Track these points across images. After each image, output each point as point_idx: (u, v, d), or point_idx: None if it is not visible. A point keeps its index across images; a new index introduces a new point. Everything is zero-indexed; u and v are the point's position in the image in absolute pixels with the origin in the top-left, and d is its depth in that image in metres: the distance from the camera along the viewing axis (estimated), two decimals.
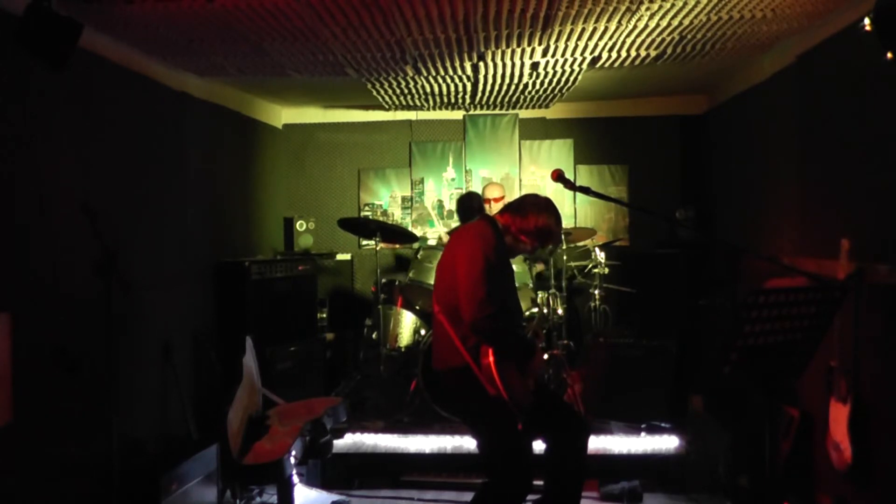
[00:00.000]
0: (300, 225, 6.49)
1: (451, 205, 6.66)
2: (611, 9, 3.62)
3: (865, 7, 2.92)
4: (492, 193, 5.71)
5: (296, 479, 3.87)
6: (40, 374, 3.18)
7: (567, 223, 6.26)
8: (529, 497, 3.03)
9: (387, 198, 6.77)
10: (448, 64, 4.72)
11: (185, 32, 3.90)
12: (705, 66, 4.87)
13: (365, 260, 6.69)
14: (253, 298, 5.00)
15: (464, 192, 6.47)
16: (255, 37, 4.01)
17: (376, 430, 4.69)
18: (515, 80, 5.27)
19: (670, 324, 5.22)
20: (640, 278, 5.76)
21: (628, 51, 4.44)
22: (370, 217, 6.66)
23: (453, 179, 6.72)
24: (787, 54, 4.28)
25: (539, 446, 3.23)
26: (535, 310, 5.00)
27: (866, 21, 2.77)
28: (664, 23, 3.86)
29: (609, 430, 4.58)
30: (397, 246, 6.57)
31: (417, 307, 5.32)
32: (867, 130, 3.40)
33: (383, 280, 5.48)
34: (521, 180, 6.64)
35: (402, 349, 5.15)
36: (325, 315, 6.16)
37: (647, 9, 3.63)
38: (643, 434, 4.51)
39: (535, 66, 4.81)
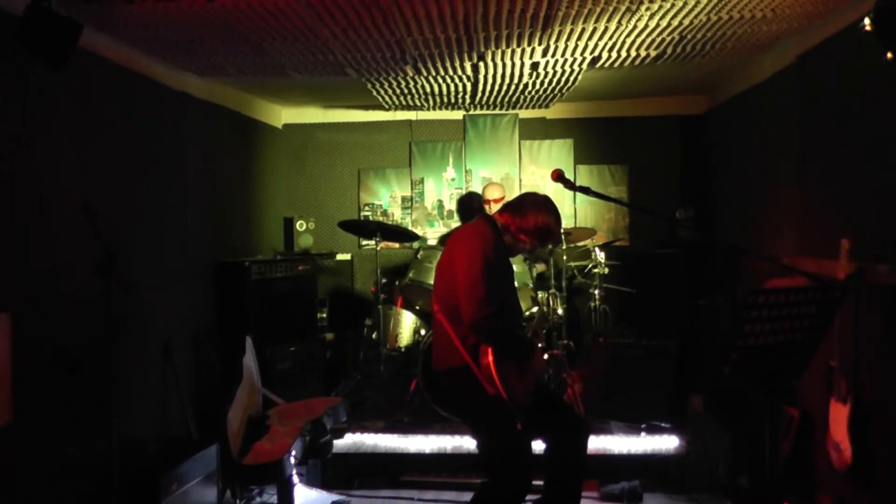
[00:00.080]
0: (300, 225, 6.49)
1: (451, 205, 6.66)
2: (611, 9, 3.62)
3: (865, 7, 2.92)
4: (492, 194, 5.70)
5: (296, 479, 3.87)
6: (40, 374, 3.18)
7: (567, 223, 6.26)
8: (529, 497, 3.03)
9: (387, 198, 6.77)
10: (448, 64, 4.72)
11: (185, 32, 3.90)
12: (705, 66, 4.87)
13: (365, 260, 6.69)
14: (253, 298, 5.00)
15: (464, 192, 6.48)
16: (255, 37, 4.01)
17: (376, 430, 4.70)
18: (515, 80, 5.27)
19: (670, 324, 5.22)
20: (640, 278, 5.76)
21: (628, 51, 4.44)
22: (370, 217, 6.67)
23: (453, 179, 6.71)
24: (787, 54, 4.28)
25: (538, 446, 3.23)
26: (535, 309, 5.00)
27: (866, 21, 2.77)
28: (664, 23, 3.86)
29: (609, 430, 4.58)
30: (397, 246, 6.57)
31: (417, 307, 5.32)
32: (867, 130, 3.40)
33: (383, 280, 5.48)
34: (521, 180, 6.64)
35: (402, 349, 5.15)
36: (325, 315, 6.16)
37: (647, 9, 3.63)
38: (643, 434, 4.51)
39: (535, 66, 4.81)
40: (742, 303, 2.79)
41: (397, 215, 6.75)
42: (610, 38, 4.14)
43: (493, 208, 5.52)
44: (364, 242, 6.64)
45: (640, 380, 4.74)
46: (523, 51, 4.41)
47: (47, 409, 3.24)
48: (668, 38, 4.16)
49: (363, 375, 5.36)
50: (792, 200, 4.25)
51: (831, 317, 2.61)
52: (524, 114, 6.63)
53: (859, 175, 3.47)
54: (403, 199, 6.76)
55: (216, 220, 5.27)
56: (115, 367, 3.33)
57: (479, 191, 6.02)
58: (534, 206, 3.15)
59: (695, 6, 3.60)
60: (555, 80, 5.26)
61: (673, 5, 3.59)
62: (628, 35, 4.09)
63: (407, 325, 5.23)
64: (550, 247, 5.34)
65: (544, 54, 4.52)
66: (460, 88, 5.54)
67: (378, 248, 5.40)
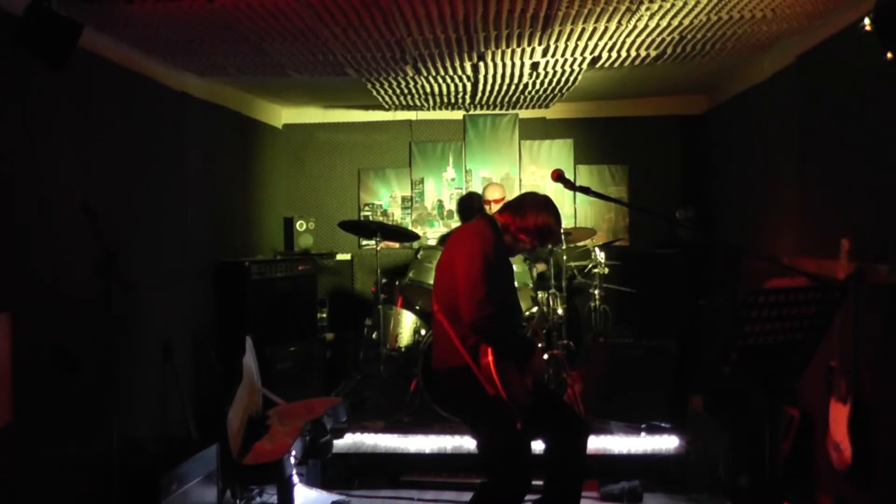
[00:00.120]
0: (300, 225, 6.50)
1: (451, 205, 6.66)
2: (611, 9, 3.62)
3: (865, 7, 2.92)
4: (492, 195, 5.70)
5: (296, 479, 3.87)
6: (40, 374, 3.18)
7: (567, 223, 6.26)
8: (529, 497, 3.03)
9: (387, 198, 6.77)
10: (448, 64, 4.72)
11: (185, 32, 3.90)
12: (705, 66, 4.87)
13: (365, 260, 6.69)
14: (253, 298, 5.00)
15: (464, 192, 6.48)
16: (255, 37, 4.01)
17: (376, 430, 4.69)
18: (515, 80, 5.27)
19: (670, 324, 5.22)
20: (640, 278, 5.76)
21: (628, 51, 4.44)
22: (370, 217, 6.67)
23: (453, 179, 6.71)
24: (787, 54, 4.28)
25: (538, 446, 3.23)
26: (535, 309, 5.00)
27: (866, 21, 2.77)
28: (664, 23, 3.86)
29: (609, 430, 4.58)
30: (397, 246, 6.57)
31: (417, 307, 5.32)
32: (867, 130, 3.40)
33: (383, 280, 5.48)
34: (521, 180, 6.64)
35: (402, 349, 5.15)
36: (325, 315, 6.16)
37: (647, 9, 3.63)
38: (643, 434, 4.51)
39: (535, 66, 4.81)
40: (742, 303, 2.79)
41: (397, 215, 6.75)
42: (610, 38, 4.14)
43: (494, 208, 5.50)
44: (364, 242, 6.64)
45: (640, 380, 4.74)
46: (523, 51, 4.41)
47: (47, 409, 3.23)
48: (668, 38, 4.16)
49: (363, 375, 5.36)
50: (792, 200, 4.25)
51: (831, 317, 2.61)
52: (524, 114, 6.63)
53: (859, 175, 3.47)
54: (403, 199, 6.76)
55: (216, 220, 5.27)
56: (115, 367, 3.33)
57: (480, 191, 6.01)
58: (534, 206, 3.14)
59: (695, 6, 3.60)
60: (555, 80, 5.26)
61: (673, 5, 3.59)
62: (628, 35, 4.09)
63: (407, 325, 5.23)
64: (550, 246, 5.34)
65: (544, 54, 4.52)
66: (460, 88, 5.54)
67: (378, 248, 5.40)
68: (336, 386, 5.60)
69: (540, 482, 3.18)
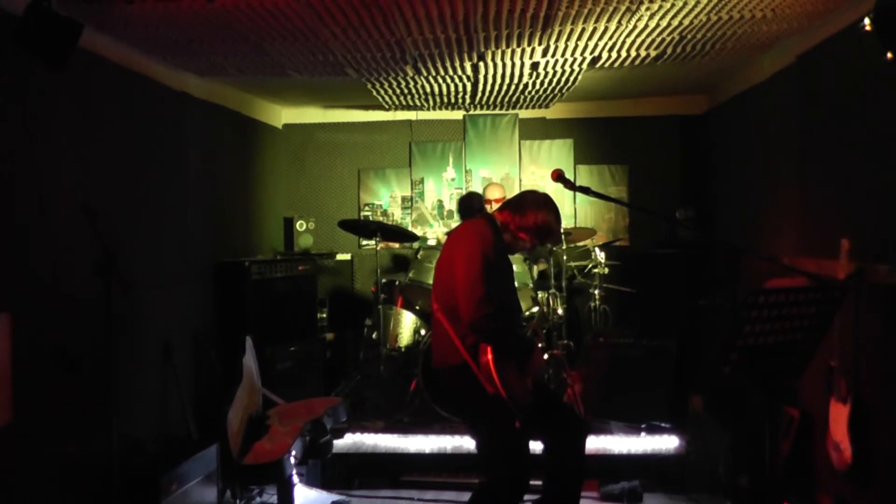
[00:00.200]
0: (300, 225, 6.50)
1: (451, 205, 6.66)
2: (611, 9, 3.62)
3: (865, 7, 2.92)
4: (493, 194, 5.70)
5: (296, 479, 3.87)
6: (40, 374, 3.18)
7: (567, 223, 6.26)
8: (528, 497, 3.02)
9: (387, 198, 6.77)
10: (448, 64, 4.72)
11: (185, 32, 3.90)
12: (705, 66, 4.87)
13: (365, 260, 6.69)
14: (253, 298, 5.00)
15: (464, 192, 6.47)
16: (255, 37, 4.01)
17: (376, 430, 4.69)
18: (515, 80, 5.27)
19: (670, 324, 5.22)
20: (640, 278, 5.76)
21: (628, 51, 4.44)
22: (370, 217, 6.67)
23: (453, 179, 6.72)
24: (787, 54, 4.28)
25: (537, 446, 3.22)
26: (536, 309, 5.00)
27: (866, 21, 2.77)
28: (664, 23, 3.86)
29: (609, 430, 4.58)
30: (397, 246, 6.57)
31: (417, 307, 5.32)
32: (867, 130, 3.40)
33: (383, 280, 5.48)
34: (521, 180, 6.64)
35: (402, 349, 5.15)
36: (325, 315, 6.16)
37: (647, 9, 3.63)
38: (643, 434, 4.51)
39: (535, 66, 4.81)
40: (742, 303, 2.79)
41: (397, 215, 6.75)
42: (610, 38, 4.14)
43: (494, 208, 5.50)
44: (364, 242, 6.64)
45: (640, 380, 4.74)
46: (523, 51, 4.41)
47: (47, 409, 3.24)
48: (668, 38, 4.16)
49: (363, 375, 5.36)
50: (792, 200, 4.25)
51: (831, 317, 2.61)
52: (524, 114, 6.63)
53: (859, 175, 3.47)
54: (403, 199, 6.76)
55: (216, 220, 5.27)
56: (115, 367, 3.33)
57: (480, 191, 6.01)
58: (533, 205, 3.13)
59: (695, 6, 3.60)
60: (555, 80, 5.26)
61: (673, 5, 3.59)
62: (628, 35, 4.09)
63: (407, 325, 5.22)
64: (550, 246, 5.34)
65: (544, 54, 4.52)
66: (460, 88, 5.54)
67: (378, 248, 5.40)
68: (336, 386, 5.60)
69: (539, 482, 3.18)
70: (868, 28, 2.77)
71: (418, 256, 5.36)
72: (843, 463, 3.24)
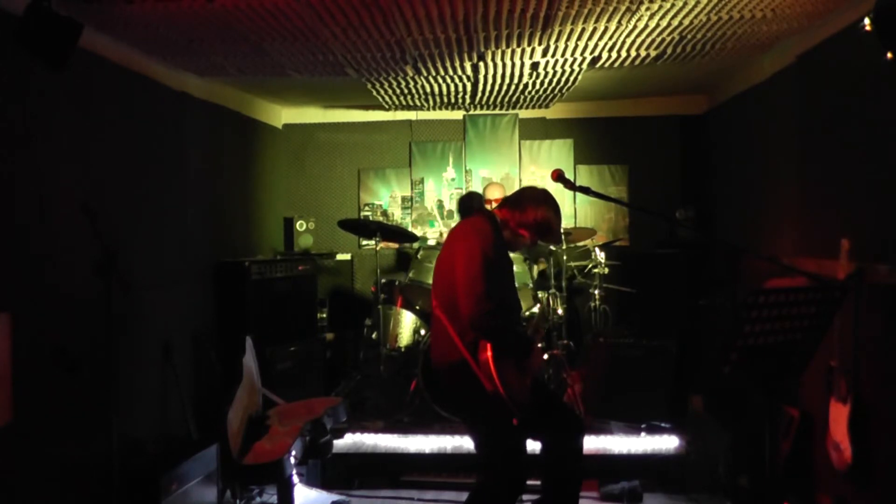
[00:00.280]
0: (300, 225, 6.50)
1: (451, 205, 6.66)
2: (611, 9, 3.62)
3: (865, 7, 2.92)
4: (493, 194, 5.69)
5: (296, 479, 3.87)
6: (40, 374, 3.18)
7: (567, 223, 6.26)
8: (527, 497, 3.02)
9: (387, 198, 6.77)
10: (448, 64, 4.72)
11: (185, 32, 3.90)
12: (705, 66, 4.87)
13: (365, 260, 6.69)
14: (253, 298, 5.00)
15: (464, 192, 6.47)
16: (255, 37, 4.01)
17: (376, 430, 4.69)
18: (515, 80, 5.27)
19: (670, 324, 5.22)
20: (640, 278, 5.76)
21: (628, 51, 4.44)
22: (370, 217, 6.67)
23: (453, 179, 6.72)
24: (787, 54, 4.28)
25: (536, 446, 3.22)
26: (536, 309, 5.00)
27: (866, 21, 2.78)
28: (664, 23, 3.86)
29: (609, 430, 4.58)
30: (397, 246, 6.57)
31: (417, 307, 5.32)
32: (867, 130, 3.40)
33: (383, 280, 5.48)
34: (521, 180, 6.64)
35: (402, 349, 5.15)
36: (325, 315, 6.16)
37: (647, 9, 3.63)
38: (643, 434, 4.51)
39: (535, 66, 4.81)
40: (742, 303, 2.79)
41: (397, 215, 6.75)
42: (610, 38, 4.14)
43: (494, 208, 5.51)
44: (364, 242, 6.64)
45: (640, 380, 4.74)
46: (523, 51, 4.41)
47: (47, 409, 3.24)
48: (668, 38, 4.16)
49: (363, 375, 5.36)
50: (792, 200, 4.25)
51: (831, 317, 2.61)
52: (524, 114, 6.63)
53: (859, 175, 3.47)
54: (403, 199, 6.76)
55: (216, 220, 5.27)
56: (115, 367, 3.33)
57: (480, 191, 6.01)
58: (533, 201, 3.12)
59: (695, 6, 3.60)
60: (555, 80, 5.26)
61: (673, 5, 3.58)
62: (628, 35, 4.09)
63: (407, 325, 5.23)
64: (550, 246, 5.34)
65: (544, 54, 4.52)
66: (460, 88, 5.54)
67: (378, 248, 5.40)
68: (336, 386, 5.60)
69: (537, 482, 3.17)
70: (868, 28, 2.77)
71: (418, 256, 5.36)
72: (843, 463, 3.24)
